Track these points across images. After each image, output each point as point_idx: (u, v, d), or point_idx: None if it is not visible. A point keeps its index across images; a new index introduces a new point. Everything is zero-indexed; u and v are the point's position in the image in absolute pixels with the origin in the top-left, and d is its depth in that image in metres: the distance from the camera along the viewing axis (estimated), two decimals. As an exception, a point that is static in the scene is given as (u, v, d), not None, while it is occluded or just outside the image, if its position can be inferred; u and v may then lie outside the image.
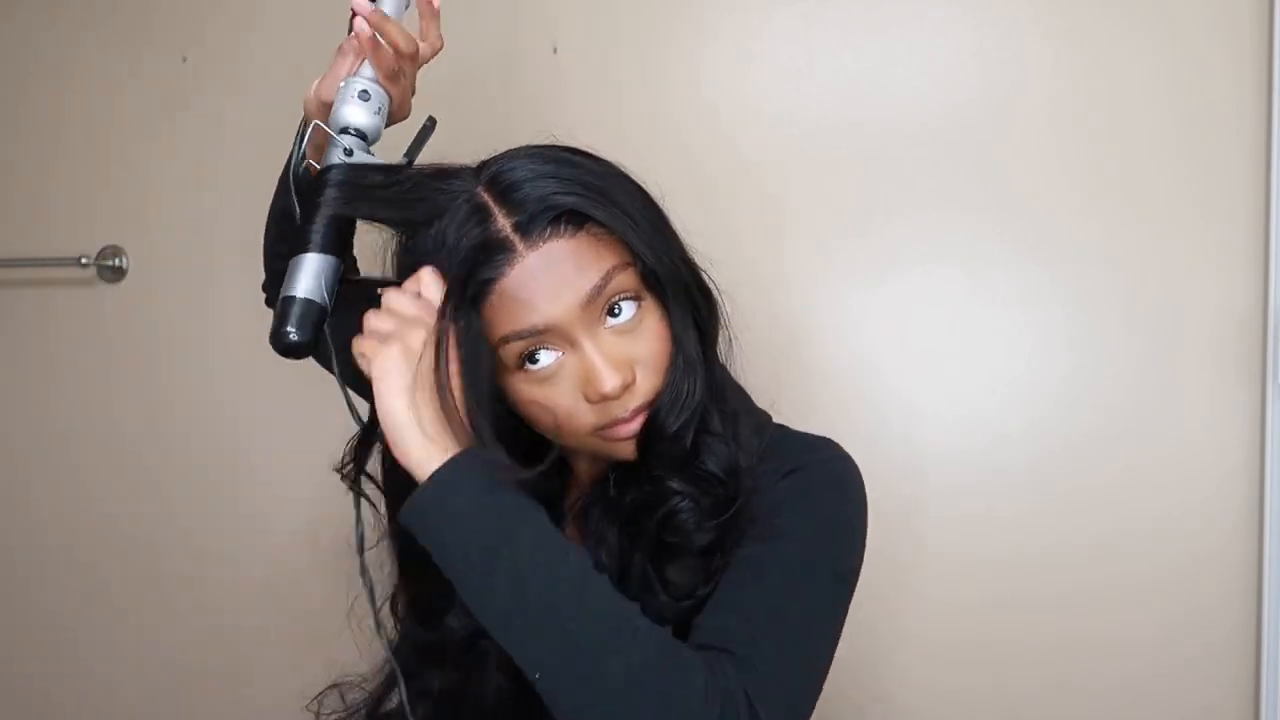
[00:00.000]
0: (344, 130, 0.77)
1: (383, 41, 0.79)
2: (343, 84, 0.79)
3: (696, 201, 1.37)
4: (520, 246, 0.67)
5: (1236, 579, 1.23)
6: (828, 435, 0.80)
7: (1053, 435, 1.28)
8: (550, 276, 0.67)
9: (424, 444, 0.66)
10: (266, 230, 0.98)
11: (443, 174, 0.71)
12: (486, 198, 0.68)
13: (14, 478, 1.70)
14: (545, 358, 0.69)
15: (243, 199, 1.55)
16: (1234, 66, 1.21)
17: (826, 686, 0.72)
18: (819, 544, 0.73)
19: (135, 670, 1.65)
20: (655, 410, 0.71)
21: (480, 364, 0.68)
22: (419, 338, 0.67)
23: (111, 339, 1.64)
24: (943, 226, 1.30)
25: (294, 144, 0.82)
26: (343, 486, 0.77)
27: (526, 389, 0.70)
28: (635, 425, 0.71)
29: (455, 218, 0.68)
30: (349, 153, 0.75)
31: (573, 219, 0.68)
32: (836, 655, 0.73)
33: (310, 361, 1.03)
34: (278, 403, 1.55)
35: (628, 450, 0.73)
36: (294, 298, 0.71)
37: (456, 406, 0.67)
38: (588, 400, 0.69)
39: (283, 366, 1.49)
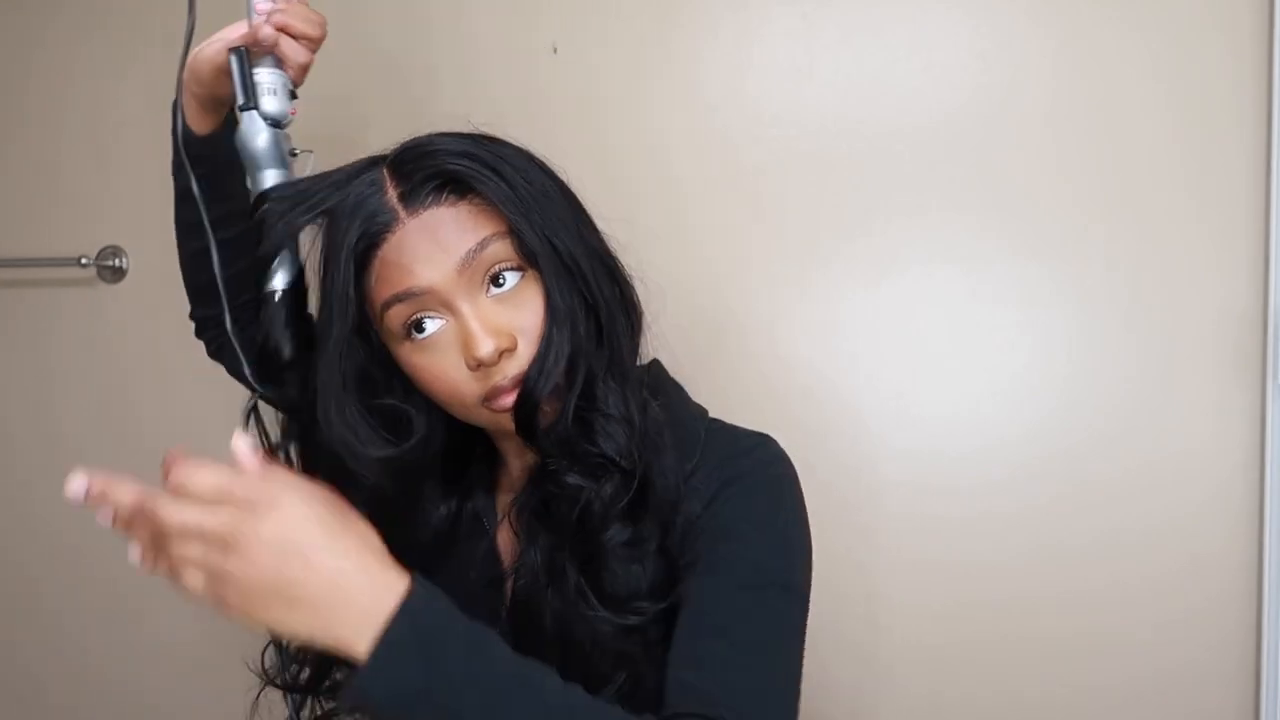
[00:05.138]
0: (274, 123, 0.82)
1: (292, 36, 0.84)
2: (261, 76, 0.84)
3: (696, 201, 1.38)
4: (402, 214, 0.71)
5: (1236, 579, 1.23)
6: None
7: (1053, 435, 1.28)
8: (428, 241, 0.70)
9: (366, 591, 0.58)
10: (183, 244, 1.00)
11: (358, 166, 0.75)
12: (384, 174, 0.73)
13: (15, 478, 1.70)
14: (430, 326, 0.72)
15: (243, 199, 1.56)
16: (1234, 66, 1.21)
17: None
18: (770, 565, 0.73)
19: (137, 673, 1.65)
20: (525, 378, 0.72)
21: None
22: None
23: (111, 339, 1.64)
24: (943, 226, 1.30)
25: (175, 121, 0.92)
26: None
27: (416, 358, 0.72)
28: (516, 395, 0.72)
29: (355, 195, 0.72)
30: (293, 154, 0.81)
31: (455, 189, 0.71)
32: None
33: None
34: (278, 403, 1.55)
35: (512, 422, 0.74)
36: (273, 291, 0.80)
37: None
38: (468, 367, 0.71)
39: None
